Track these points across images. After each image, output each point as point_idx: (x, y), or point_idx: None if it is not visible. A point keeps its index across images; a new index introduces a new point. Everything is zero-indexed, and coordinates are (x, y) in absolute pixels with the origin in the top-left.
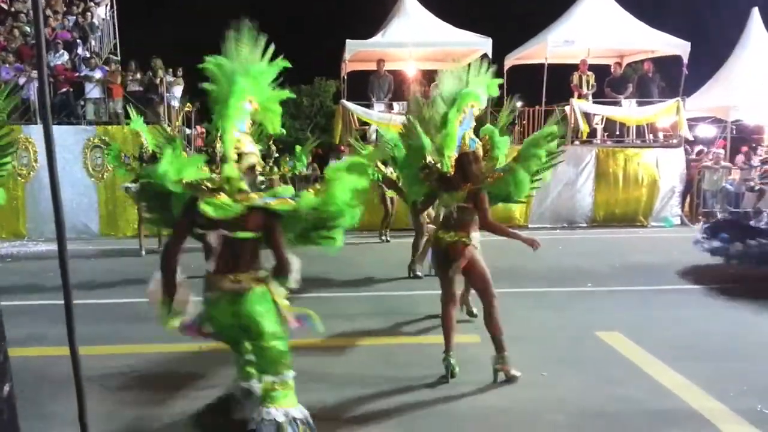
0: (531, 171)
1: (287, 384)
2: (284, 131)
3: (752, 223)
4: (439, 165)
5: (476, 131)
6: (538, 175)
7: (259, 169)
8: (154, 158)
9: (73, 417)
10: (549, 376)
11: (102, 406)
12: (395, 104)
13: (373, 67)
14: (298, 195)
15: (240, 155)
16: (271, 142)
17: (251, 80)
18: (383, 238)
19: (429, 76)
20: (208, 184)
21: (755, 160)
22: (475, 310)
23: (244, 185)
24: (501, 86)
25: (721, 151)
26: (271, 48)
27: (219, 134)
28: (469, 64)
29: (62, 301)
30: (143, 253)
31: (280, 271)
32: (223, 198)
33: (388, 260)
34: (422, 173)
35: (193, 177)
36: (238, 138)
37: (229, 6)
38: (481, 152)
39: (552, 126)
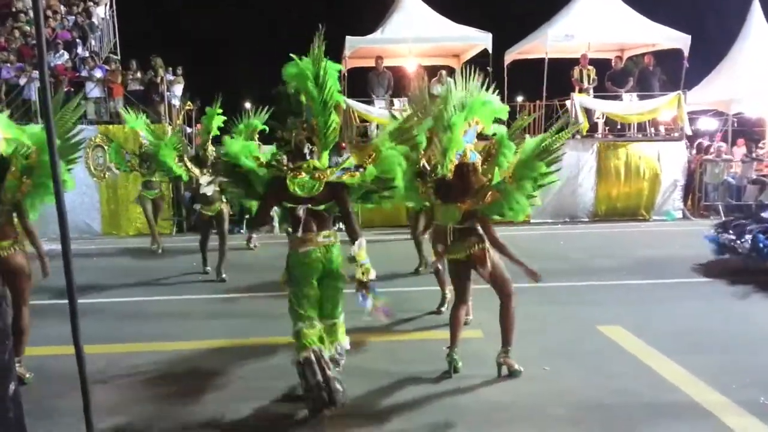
0: (526, 192)
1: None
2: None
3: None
4: (438, 167)
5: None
6: (535, 193)
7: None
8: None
9: (78, 414)
10: (551, 370)
11: (106, 403)
12: (396, 101)
13: (373, 63)
14: (362, 166)
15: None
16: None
17: None
18: None
19: (429, 72)
20: (289, 165)
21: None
22: (469, 318)
23: (323, 164)
24: (502, 82)
25: (723, 144)
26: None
27: (210, 138)
28: (473, 68)
29: (65, 300)
30: (160, 250)
31: (351, 234)
32: (304, 177)
33: (391, 257)
34: (417, 179)
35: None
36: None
37: (229, 4)
38: (479, 167)
39: (545, 139)
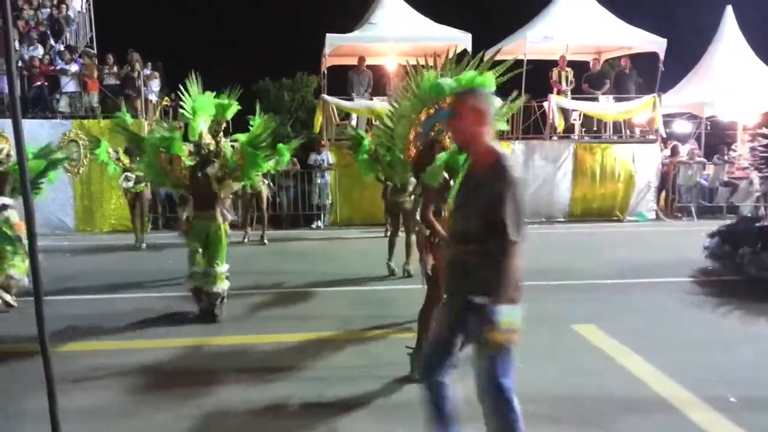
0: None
1: (223, 273)
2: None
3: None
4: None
5: None
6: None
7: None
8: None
9: (46, 415)
10: (525, 367)
11: (76, 404)
12: (376, 99)
13: (353, 62)
14: (240, 167)
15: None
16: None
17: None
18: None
19: (409, 71)
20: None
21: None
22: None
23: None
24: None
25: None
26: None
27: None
28: (454, 57)
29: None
30: (143, 245)
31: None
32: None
33: (368, 255)
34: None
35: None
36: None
37: (208, 0)
38: (448, 142)
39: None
